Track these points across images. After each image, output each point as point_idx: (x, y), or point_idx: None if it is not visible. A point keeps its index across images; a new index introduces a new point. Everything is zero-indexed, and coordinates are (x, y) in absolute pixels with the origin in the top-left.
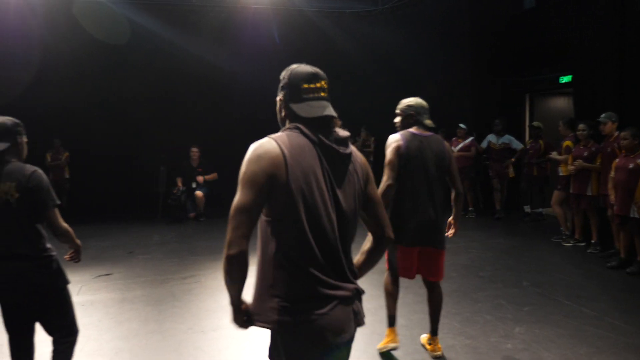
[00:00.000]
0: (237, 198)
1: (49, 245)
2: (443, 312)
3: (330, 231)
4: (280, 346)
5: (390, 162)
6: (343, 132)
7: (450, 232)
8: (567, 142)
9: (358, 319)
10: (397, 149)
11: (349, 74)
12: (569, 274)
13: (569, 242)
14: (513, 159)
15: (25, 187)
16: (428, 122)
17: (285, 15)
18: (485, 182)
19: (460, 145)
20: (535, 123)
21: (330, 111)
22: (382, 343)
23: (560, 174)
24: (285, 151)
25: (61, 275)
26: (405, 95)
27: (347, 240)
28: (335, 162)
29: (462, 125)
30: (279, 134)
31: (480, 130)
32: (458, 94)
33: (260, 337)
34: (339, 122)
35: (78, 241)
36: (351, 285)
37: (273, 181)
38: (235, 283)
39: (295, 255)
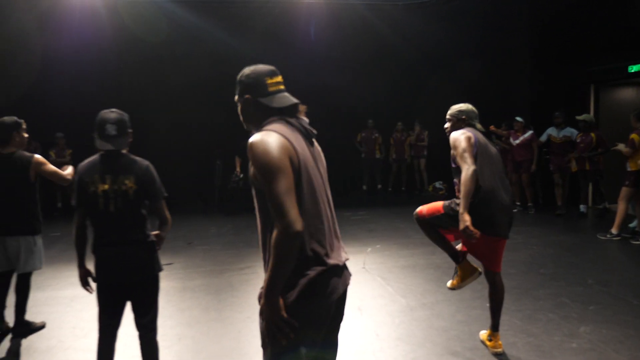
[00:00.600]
0: (277, 184)
1: (150, 232)
2: (502, 309)
3: (327, 207)
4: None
5: (467, 149)
6: (305, 118)
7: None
8: (634, 135)
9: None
10: (469, 139)
11: (399, 68)
12: (638, 273)
13: (638, 240)
14: (575, 153)
15: (141, 180)
16: (478, 126)
17: (336, 9)
18: (545, 177)
19: (520, 139)
20: (583, 116)
21: (294, 99)
22: (455, 281)
23: (629, 169)
24: (289, 138)
25: (158, 262)
26: (458, 89)
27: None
28: (311, 144)
29: (518, 119)
30: (270, 126)
31: (540, 124)
32: (516, 86)
33: None
34: (304, 107)
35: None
36: (344, 256)
37: (292, 165)
38: (292, 262)
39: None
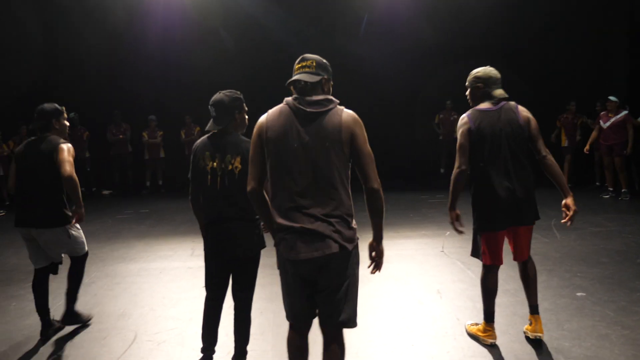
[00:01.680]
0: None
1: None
2: (593, 299)
3: (298, 176)
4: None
5: (461, 146)
6: (316, 96)
7: (566, 218)
8: None
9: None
10: (467, 132)
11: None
12: None
13: None
14: None
15: (247, 159)
16: (498, 92)
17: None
18: None
19: (612, 120)
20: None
21: (298, 77)
22: (479, 332)
23: None
24: (267, 118)
25: (262, 239)
26: (551, 66)
27: (319, 183)
28: (307, 119)
29: (612, 98)
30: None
31: (636, 104)
32: (610, 64)
33: (395, 304)
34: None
35: None
36: (310, 224)
37: (260, 139)
38: (258, 213)
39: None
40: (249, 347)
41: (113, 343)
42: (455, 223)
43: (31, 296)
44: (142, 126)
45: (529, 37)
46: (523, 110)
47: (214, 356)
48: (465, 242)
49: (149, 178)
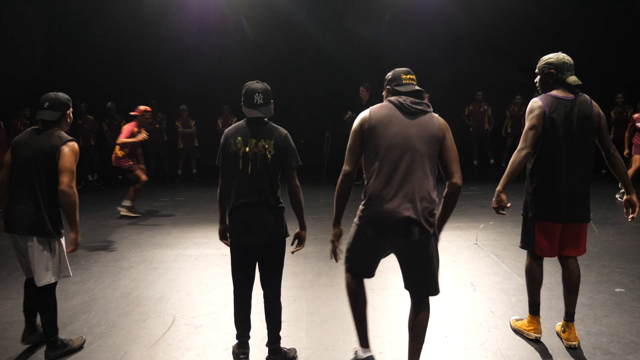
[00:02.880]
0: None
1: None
2: (632, 295)
3: (398, 164)
4: None
5: (532, 128)
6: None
7: (633, 214)
8: None
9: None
10: (541, 116)
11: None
12: None
13: None
14: None
15: (280, 146)
16: (572, 79)
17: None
18: None
19: None
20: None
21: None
22: (523, 326)
23: None
24: (372, 110)
25: (286, 227)
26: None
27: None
28: (411, 115)
29: None
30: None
31: None
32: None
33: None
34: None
35: None
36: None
37: (362, 128)
38: (344, 196)
39: None
40: (283, 334)
41: (152, 326)
42: (501, 208)
43: (74, 278)
44: (176, 116)
45: (562, 23)
46: (596, 106)
47: (250, 341)
48: (499, 235)
49: (181, 167)
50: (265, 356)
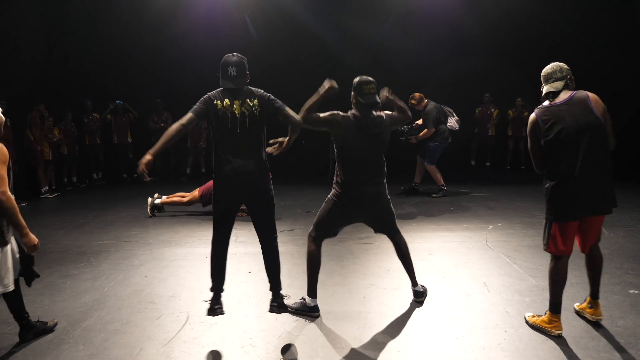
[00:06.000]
0: None
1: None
2: None
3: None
4: None
5: (532, 147)
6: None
7: None
8: None
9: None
10: (532, 129)
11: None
12: None
13: None
14: None
15: (264, 100)
16: (556, 84)
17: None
18: None
19: None
20: None
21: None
22: (543, 323)
23: None
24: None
25: (271, 182)
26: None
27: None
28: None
29: None
30: None
31: None
32: None
33: (441, 295)
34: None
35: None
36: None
37: None
38: None
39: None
40: (298, 333)
41: (167, 323)
42: None
43: (85, 275)
44: (182, 115)
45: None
46: (595, 100)
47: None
48: (508, 237)
49: (190, 165)
50: (270, 300)
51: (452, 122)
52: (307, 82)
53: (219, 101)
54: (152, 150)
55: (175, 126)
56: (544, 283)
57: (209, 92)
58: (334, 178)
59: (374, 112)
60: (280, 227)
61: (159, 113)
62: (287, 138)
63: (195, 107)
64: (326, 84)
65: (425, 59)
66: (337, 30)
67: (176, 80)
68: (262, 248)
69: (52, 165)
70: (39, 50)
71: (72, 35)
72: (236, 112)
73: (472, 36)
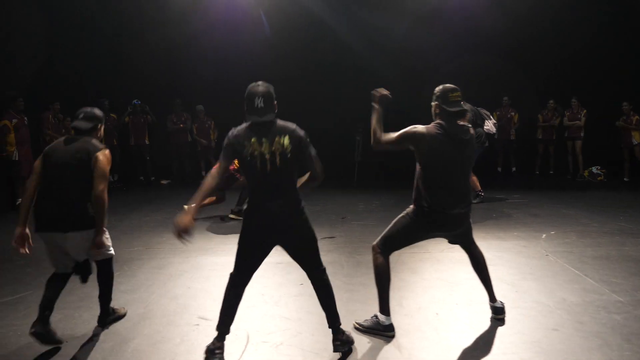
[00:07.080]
0: None
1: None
2: None
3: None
4: None
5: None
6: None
7: None
8: None
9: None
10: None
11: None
12: None
13: None
14: None
15: (294, 137)
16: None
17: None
18: None
19: None
20: None
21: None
22: None
23: None
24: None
25: (307, 217)
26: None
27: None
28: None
29: None
30: None
31: None
32: None
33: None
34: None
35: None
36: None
37: None
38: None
39: None
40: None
41: (227, 343)
42: None
43: (122, 286)
44: (194, 116)
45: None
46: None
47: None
48: (568, 246)
49: (204, 168)
50: (332, 339)
51: (490, 125)
52: (323, 81)
53: (245, 141)
54: (193, 211)
55: (209, 181)
56: (628, 298)
57: (234, 127)
58: (414, 193)
59: (459, 122)
60: (319, 235)
61: (178, 114)
62: (302, 183)
63: (222, 153)
64: (376, 94)
65: (448, 58)
66: (354, 26)
67: (194, 80)
68: (312, 284)
69: None
70: (54, 50)
71: (87, 34)
72: (265, 153)
73: (492, 36)
